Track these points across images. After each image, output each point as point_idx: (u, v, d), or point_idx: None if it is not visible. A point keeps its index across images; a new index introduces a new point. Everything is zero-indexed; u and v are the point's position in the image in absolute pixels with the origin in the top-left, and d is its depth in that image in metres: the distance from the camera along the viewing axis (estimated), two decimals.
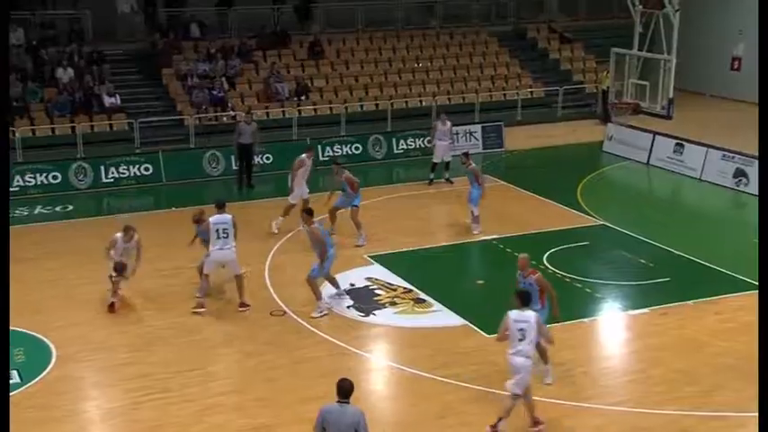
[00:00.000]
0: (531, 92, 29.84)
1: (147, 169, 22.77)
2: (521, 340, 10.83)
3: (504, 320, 10.92)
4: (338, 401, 8.75)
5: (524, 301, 11.02)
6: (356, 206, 17.58)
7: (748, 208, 21.48)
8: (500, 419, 10.94)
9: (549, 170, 24.57)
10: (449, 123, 22.27)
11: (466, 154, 18.56)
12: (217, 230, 14.33)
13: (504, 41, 32.12)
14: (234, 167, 22.75)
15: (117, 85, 25.86)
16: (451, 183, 21.94)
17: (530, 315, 10.91)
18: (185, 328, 14.06)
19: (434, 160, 22.31)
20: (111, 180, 22.44)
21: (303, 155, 18.71)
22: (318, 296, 14.39)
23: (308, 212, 14.58)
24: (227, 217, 14.45)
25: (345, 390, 8.77)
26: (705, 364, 12.78)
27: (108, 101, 25.05)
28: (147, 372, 12.67)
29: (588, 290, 15.64)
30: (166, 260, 16.53)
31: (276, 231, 18.19)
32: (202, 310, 14.46)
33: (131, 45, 28.25)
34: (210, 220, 14.52)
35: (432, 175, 22.23)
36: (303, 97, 27.29)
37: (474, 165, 18.50)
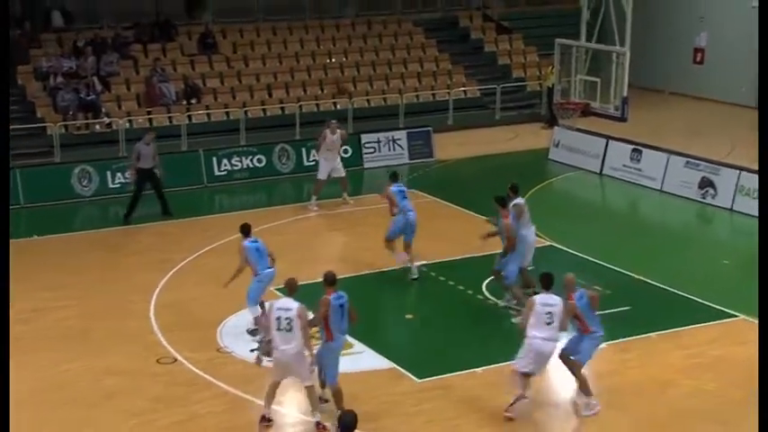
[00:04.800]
0: (465, 91, 30.27)
1: None
2: (548, 324, 12.43)
3: (529, 304, 12.68)
4: None
5: (547, 284, 12.68)
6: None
7: (716, 223, 22.16)
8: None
9: (487, 183, 24.81)
10: (339, 132, 21.89)
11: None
12: None
13: (431, 32, 32.51)
14: (127, 192, 21.79)
15: None
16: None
17: (557, 299, 12.56)
18: (52, 384, 13.80)
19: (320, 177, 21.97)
20: None
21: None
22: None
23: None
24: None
25: (350, 425, 9.09)
26: (669, 409, 13.07)
27: None
28: None
29: None
30: (25, 301, 16.22)
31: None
32: None
33: None
34: None
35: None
36: (193, 100, 27.17)
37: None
